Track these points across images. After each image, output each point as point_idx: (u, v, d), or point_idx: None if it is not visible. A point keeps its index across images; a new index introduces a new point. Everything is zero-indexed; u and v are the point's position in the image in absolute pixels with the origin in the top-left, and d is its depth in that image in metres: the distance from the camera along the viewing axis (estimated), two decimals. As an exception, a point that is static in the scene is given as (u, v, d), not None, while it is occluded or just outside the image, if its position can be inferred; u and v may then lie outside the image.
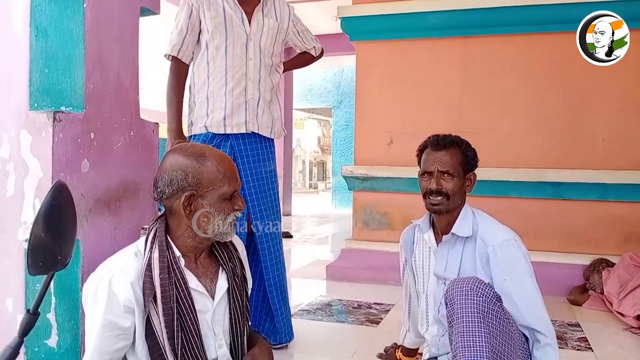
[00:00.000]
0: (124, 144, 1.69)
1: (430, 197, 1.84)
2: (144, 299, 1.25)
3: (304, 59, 2.75)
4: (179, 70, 2.37)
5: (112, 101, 1.64)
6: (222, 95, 2.32)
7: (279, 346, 2.47)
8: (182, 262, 1.31)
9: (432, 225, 1.97)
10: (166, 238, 1.32)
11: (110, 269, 1.27)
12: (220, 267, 1.40)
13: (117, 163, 1.66)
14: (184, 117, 2.41)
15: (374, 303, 3.37)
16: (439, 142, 1.87)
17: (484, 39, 3.87)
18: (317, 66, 10.45)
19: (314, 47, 2.68)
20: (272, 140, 2.52)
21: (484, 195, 3.68)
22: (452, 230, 1.84)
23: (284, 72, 2.61)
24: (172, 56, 2.34)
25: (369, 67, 4.18)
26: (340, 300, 3.49)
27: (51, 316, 1.52)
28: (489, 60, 3.88)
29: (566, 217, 3.74)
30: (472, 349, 1.40)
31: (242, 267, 1.46)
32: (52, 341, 1.52)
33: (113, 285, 1.24)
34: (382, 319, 3.04)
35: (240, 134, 2.36)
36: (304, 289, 4.07)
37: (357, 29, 4.16)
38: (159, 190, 1.31)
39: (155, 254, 1.28)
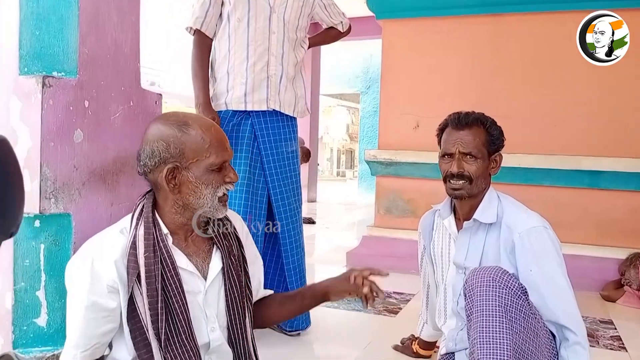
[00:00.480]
0: (123, 115, 1.58)
1: (451, 181, 1.70)
2: (127, 278, 1.15)
3: (331, 34, 2.62)
4: (203, 44, 2.27)
5: (109, 68, 1.54)
6: (243, 70, 2.21)
7: (294, 332, 2.38)
8: (170, 240, 1.21)
9: (454, 210, 1.82)
10: (153, 214, 1.22)
11: (93, 248, 1.18)
12: (214, 246, 1.29)
13: (115, 135, 1.56)
14: None
15: (394, 292, 3.23)
16: (460, 121, 1.71)
17: (517, 17, 3.64)
18: (346, 51, 10.27)
19: (341, 22, 2.54)
20: (295, 119, 2.40)
21: (514, 184, 3.52)
22: (474, 216, 1.68)
23: (309, 47, 2.49)
24: (195, 29, 2.25)
25: (395, 47, 4.01)
26: (359, 288, 3.36)
27: (40, 294, 1.44)
28: (522, 40, 3.65)
29: (602, 207, 3.51)
30: (492, 345, 1.25)
31: (240, 246, 1.34)
32: (42, 320, 1.44)
33: (96, 265, 1.15)
34: (401, 309, 2.90)
35: (261, 111, 2.25)
36: (323, 275, 3.95)
37: (384, 7, 3.98)
38: (141, 163, 1.21)
39: (141, 231, 1.18)
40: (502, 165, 3.57)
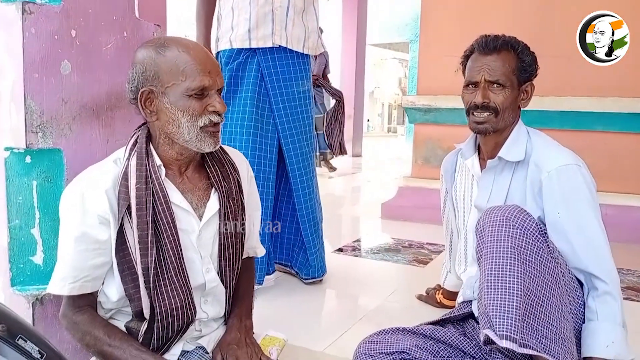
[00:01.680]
0: (115, 46, 1.50)
1: (475, 113, 1.52)
2: (118, 209, 1.10)
3: None
4: None
5: (97, -5, 1.45)
6: (247, 4, 2.07)
7: (311, 280, 2.31)
8: (163, 172, 1.15)
9: (478, 149, 1.65)
10: (147, 145, 1.15)
11: (85, 178, 1.14)
12: (213, 187, 1.21)
13: (107, 67, 1.48)
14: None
15: (427, 243, 3.10)
16: (488, 44, 1.52)
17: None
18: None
19: None
20: (308, 56, 2.24)
21: (563, 129, 3.25)
22: (499, 154, 1.52)
23: None
24: None
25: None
26: (392, 238, 3.26)
27: (35, 232, 1.41)
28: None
29: (661, 155, 3.20)
30: (499, 290, 1.11)
31: (240, 191, 1.25)
32: (38, 258, 1.42)
33: (87, 194, 1.10)
34: (431, 259, 2.78)
35: (267, 49, 2.11)
36: (357, 226, 3.89)
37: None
38: (127, 90, 1.13)
39: (133, 162, 1.12)
40: (549, 109, 3.32)
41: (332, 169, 6.47)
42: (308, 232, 2.25)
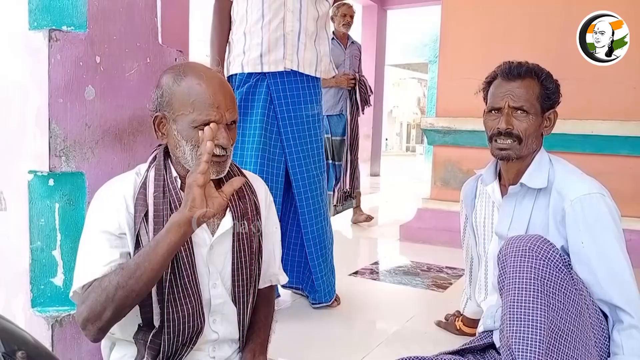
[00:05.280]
0: (139, 72, 1.52)
1: (498, 140, 1.51)
2: (135, 215, 1.13)
3: None
4: (222, 9, 2.19)
5: (122, 22, 1.47)
6: (259, 29, 2.08)
7: (318, 305, 2.29)
8: (179, 182, 1.18)
9: (499, 176, 1.64)
10: (165, 160, 1.20)
11: (108, 185, 1.18)
12: (227, 207, 1.21)
13: (130, 93, 1.50)
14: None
15: (446, 267, 3.06)
16: (512, 71, 1.52)
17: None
18: (413, 18, 9.88)
19: None
20: (319, 80, 2.25)
21: (585, 153, 3.21)
22: (521, 180, 1.50)
23: (335, 1, 2.32)
24: None
25: (456, 5, 3.74)
26: (410, 261, 3.22)
27: (57, 253, 1.42)
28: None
29: (688, 179, 3.13)
30: (523, 323, 1.09)
31: (257, 213, 1.25)
32: (58, 280, 1.43)
33: (108, 198, 1.14)
34: (451, 284, 2.74)
35: (278, 72, 2.12)
36: (375, 248, 3.86)
37: (444, -37, 3.71)
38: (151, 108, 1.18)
39: (152, 173, 1.17)
40: (571, 132, 3.28)
41: (368, 218, 4.53)
42: (314, 257, 2.23)
